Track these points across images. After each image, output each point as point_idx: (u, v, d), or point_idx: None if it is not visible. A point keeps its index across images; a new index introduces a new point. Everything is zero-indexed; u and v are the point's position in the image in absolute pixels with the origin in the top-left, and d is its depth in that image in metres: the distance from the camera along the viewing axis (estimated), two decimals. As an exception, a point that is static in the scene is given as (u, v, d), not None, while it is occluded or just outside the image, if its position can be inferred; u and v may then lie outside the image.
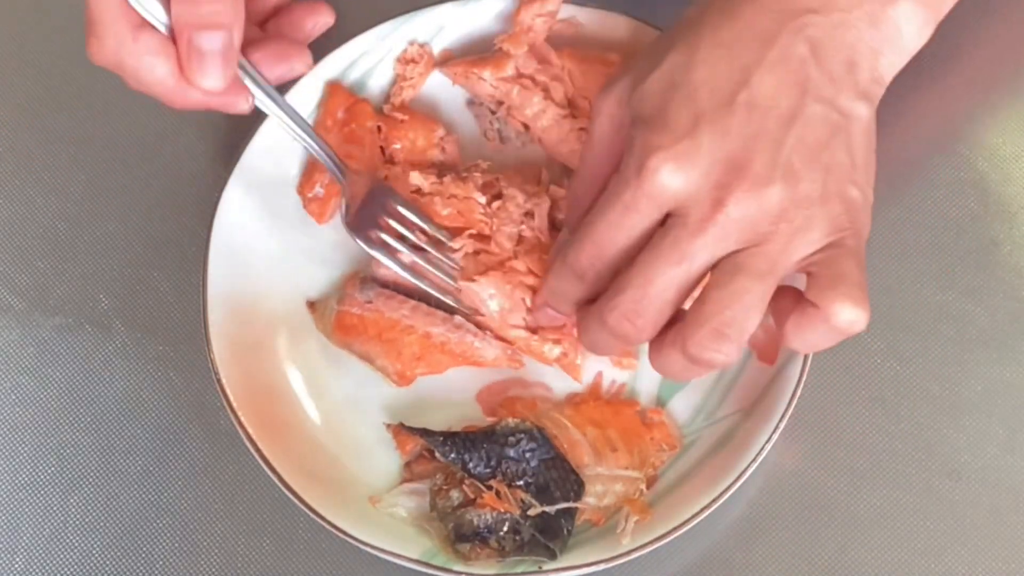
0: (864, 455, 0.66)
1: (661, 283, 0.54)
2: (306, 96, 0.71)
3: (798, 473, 0.66)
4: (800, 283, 0.55)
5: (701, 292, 0.54)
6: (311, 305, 0.68)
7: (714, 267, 0.54)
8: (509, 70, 0.70)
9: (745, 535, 0.65)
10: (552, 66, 0.70)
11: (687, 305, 0.55)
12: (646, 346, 0.58)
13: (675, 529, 0.60)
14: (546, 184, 0.69)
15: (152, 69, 0.59)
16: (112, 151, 0.75)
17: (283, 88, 0.68)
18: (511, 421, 0.64)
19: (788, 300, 0.55)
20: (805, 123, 0.53)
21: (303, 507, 0.61)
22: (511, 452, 0.63)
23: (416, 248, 0.66)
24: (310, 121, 0.70)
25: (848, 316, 0.53)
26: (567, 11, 0.71)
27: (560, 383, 0.67)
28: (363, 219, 0.66)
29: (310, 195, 0.70)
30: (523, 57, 0.70)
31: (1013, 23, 0.77)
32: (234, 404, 0.63)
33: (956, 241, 0.70)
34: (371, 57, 0.72)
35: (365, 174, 0.68)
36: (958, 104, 0.75)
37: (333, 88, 0.71)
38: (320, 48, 0.71)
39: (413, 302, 0.66)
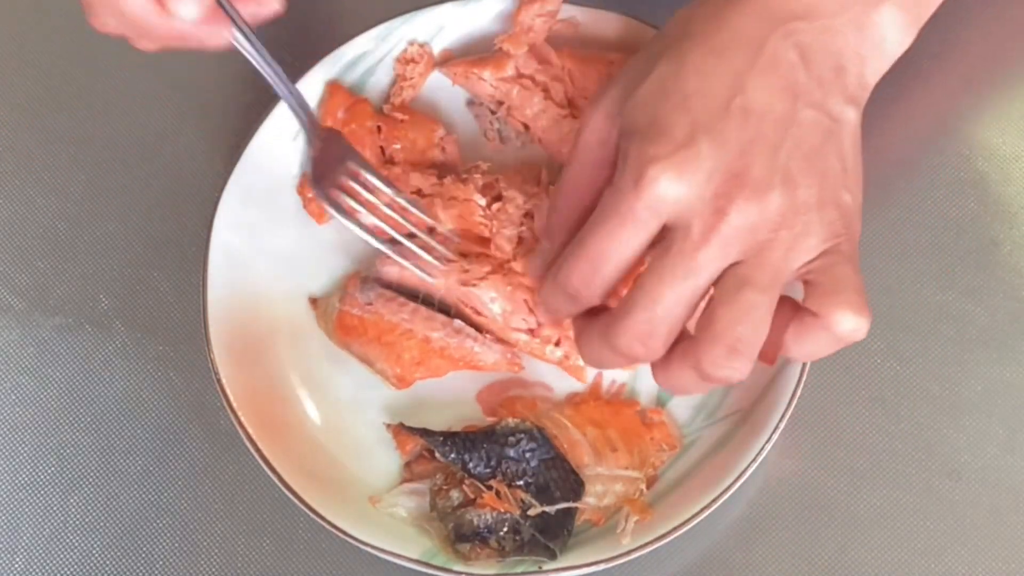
0: (864, 455, 0.66)
1: (670, 300, 0.52)
2: (306, 96, 0.70)
3: (798, 473, 0.66)
4: (794, 292, 0.55)
5: (707, 308, 0.53)
6: (313, 302, 0.68)
7: (716, 281, 0.53)
8: (509, 70, 0.70)
9: (745, 535, 0.65)
10: (552, 66, 0.70)
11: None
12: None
13: (675, 529, 0.60)
14: (546, 184, 0.69)
15: None
16: (112, 151, 0.75)
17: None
18: (511, 421, 0.64)
19: (785, 309, 0.54)
20: (799, 128, 0.53)
21: (303, 507, 0.61)
22: (511, 452, 0.63)
23: (386, 215, 0.65)
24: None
25: (850, 324, 0.52)
26: (567, 11, 0.71)
27: (560, 383, 0.67)
28: (328, 178, 0.65)
29: (310, 195, 0.70)
30: (523, 57, 0.70)
31: (1013, 23, 0.77)
32: (234, 404, 0.63)
33: (956, 241, 0.70)
34: (371, 57, 0.72)
35: (339, 136, 0.67)
36: (958, 104, 0.75)
37: (333, 88, 0.71)
38: (320, 48, 0.71)
39: (413, 305, 0.66)
